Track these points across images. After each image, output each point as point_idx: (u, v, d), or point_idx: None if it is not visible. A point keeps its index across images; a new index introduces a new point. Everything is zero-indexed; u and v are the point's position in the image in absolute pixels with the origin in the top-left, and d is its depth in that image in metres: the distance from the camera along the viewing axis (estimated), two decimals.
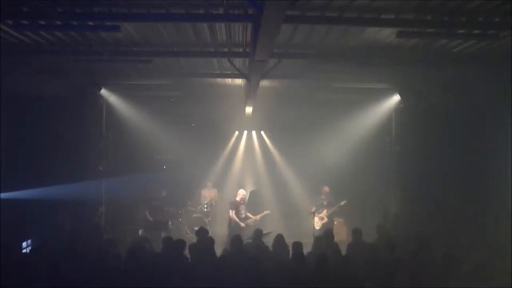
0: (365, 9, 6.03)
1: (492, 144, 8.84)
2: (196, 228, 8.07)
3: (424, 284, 5.71)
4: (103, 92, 11.02)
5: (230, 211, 10.32)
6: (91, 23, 6.41)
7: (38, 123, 8.90)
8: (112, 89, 11.17)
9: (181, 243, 6.86)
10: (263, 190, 13.09)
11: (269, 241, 8.13)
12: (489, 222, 8.59)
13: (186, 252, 6.91)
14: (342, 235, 10.86)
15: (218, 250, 7.54)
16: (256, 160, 13.75)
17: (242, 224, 10.00)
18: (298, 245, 6.91)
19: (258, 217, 10.34)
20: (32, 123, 8.76)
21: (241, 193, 10.44)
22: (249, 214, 10.40)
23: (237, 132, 13.87)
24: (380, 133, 11.92)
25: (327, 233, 7.99)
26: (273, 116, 13.36)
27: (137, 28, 6.98)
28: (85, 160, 10.30)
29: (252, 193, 12.81)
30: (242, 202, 10.33)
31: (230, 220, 10.34)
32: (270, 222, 11.07)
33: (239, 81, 10.54)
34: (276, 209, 12.30)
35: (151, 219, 11.15)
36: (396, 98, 11.16)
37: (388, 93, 11.24)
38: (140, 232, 10.95)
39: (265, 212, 10.75)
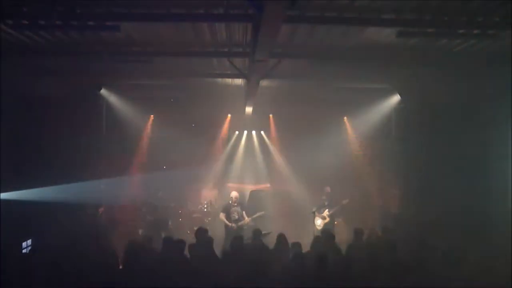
0: (365, 9, 6.04)
1: (492, 144, 8.84)
2: (196, 228, 8.06)
3: (424, 284, 5.70)
4: (103, 92, 11.02)
5: (220, 213, 10.32)
6: (91, 23, 6.41)
7: (38, 123, 8.90)
8: (112, 89, 11.17)
9: (181, 243, 6.85)
10: (263, 190, 13.09)
11: (269, 241, 8.13)
12: (489, 222, 8.59)
13: (186, 252, 6.91)
14: (342, 235, 10.85)
15: (217, 250, 7.52)
16: (256, 160, 13.75)
17: (233, 225, 9.98)
18: (297, 245, 6.91)
19: (248, 219, 10.31)
20: (32, 123, 8.76)
21: (234, 195, 10.42)
22: (245, 215, 10.38)
23: (237, 132, 13.86)
24: (380, 133, 11.91)
25: (327, 233, 8.00)
26: (273, 116, 13.38)
27: (137, 28, 6.99)
28: (85, 160, 10.29)
29: (252, 193, 12.81)
30: (235, 204, 10.29)
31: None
32: (270, 222, 11.05)
33: (239, 81, 10.54)
34: (276, 209, 12.30)
35: (150, 218, 11.14)
36: (396, 98, 11.16)
37: (388, 93, 11.24)
38: (140, 232, 10.95)
39: (258, 214, 10.72)
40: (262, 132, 13.87)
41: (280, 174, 13.42)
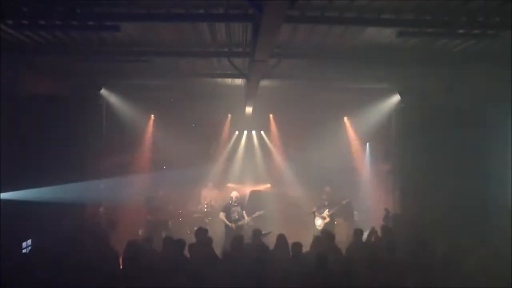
0: (365, 9, 6.04)
1: (492, 143, 8.84)
2: (196, 228, 8.06)
3: (424, 284, 5.71)
4: (103, 92, 11.01)
5: (220, 213, 10.34)
6: (91, 23, 6.42)
7: (38, 123, 8.90)
8: (112, 89, 11.16)
9: (181, 242, 6.85)
10: (263, 190, 13.09)
11: (269, 241, 8.13)
12: (489, 222, 8.59)
13: (186, 252, 6.91)
14: (342, 235, 10.86)
15: (217, 250, 7.52)
16: (256, 160, 13.75)
17: (232, 225, 10.01)
18: (297, 245, 6.90)
19: (248, 219, 10.33)
20: (32, 123, 8.76)
21: (234, 195, 10.45)
22: (245, 215, 10.39)
23: (237, 132, 13.87)
24: (380, 133, 11.91)
25: (327, 233, 8.00)
26: (273, 116, 13.38)
27: (137, 28, 6.99)
28: (85, 160, 10.29)
29: (252, 193, 12.81)
30: (235, 204, 10.31)
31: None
32: (270, 222, 11.06)
33: (239, 81, 10.54)
34: (276, 209, 12.29)
35: (151, 218, 11.15)
36: (396, 98, 11.16)
37: (388, 93, 11.23)
38: (140, 232, 10.94)
39: (258, 213, 10.74)
40: (262, 132, 13.88)
41: (280, 174, 13.42)
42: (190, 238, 8.85)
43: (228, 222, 10.05)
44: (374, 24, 6.52)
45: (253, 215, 10.54)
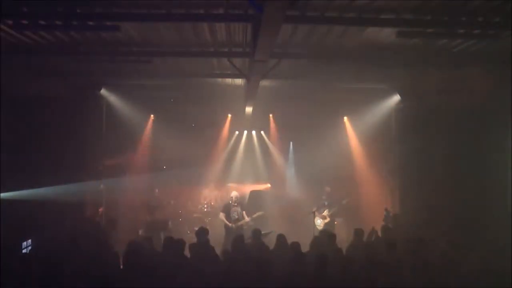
0: (365, 9, 6.04)
1: (492, 143, 8.83)
2: (197, 228, 8.07)
3: (424, 283, 5.71)
4: (103, 92, 11.02)
5: (220, 213, 10.36)
6: (91, 23, 6.42)
7: (38, 123, 8.90)
8: (112, 89, 11.17)
9: (181, 242, 6.86)
10: (263, 190, 13.09)
11: (269, 241, 8.14)
12: (489, 222, 8.59)
13: (186, 252, 6.91)
14: (342, 235, 10.86)
15: (217, 250, 7.52)
16: (256, 160, 13.76)
17: (232, 225, 10.02)
18: (297, 245, 6.91)
19: (248, 219, 10.35)
20: (32, 123, 8.76)
21: (234, 195, 10.47)
22: (245, 215, 10.40)
23: (237, 132, 13.88)
24: (380, 133, 11.92)
25: (327, 233, 8.00)
26: (273, 116, 13.38)
27: (137, 28, 6.99)
28: (84, 160, 10.30)
29: (252, 193, 12.82)
30: (235, 204, 10.33)
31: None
32: (270, 222, 11.07)
33: (239, 81, 10.55)
34: (276, 209, 12.30)
35: (150, 218, 11.16)
36: (396, 98, 11.16)
37: (388, 93, 11.24)
38: (140, 232, 10.95)
39: (258, 214, 10.75)
40: (262, 132, 13.88)
41: (280, 174, 13.42)
42: (190, 238, 8.86)
43: (228, 222, 10.06)
44: (374, 24, 6.52)
45: (253, 216, 10.55)
